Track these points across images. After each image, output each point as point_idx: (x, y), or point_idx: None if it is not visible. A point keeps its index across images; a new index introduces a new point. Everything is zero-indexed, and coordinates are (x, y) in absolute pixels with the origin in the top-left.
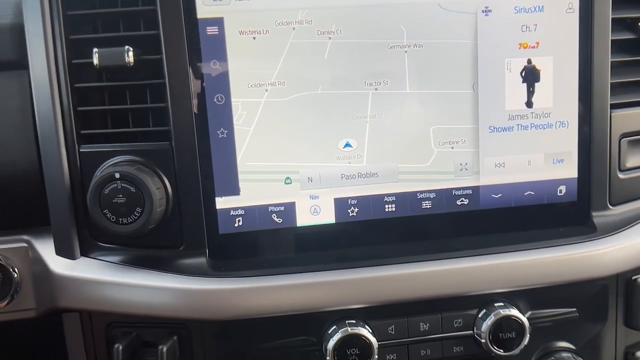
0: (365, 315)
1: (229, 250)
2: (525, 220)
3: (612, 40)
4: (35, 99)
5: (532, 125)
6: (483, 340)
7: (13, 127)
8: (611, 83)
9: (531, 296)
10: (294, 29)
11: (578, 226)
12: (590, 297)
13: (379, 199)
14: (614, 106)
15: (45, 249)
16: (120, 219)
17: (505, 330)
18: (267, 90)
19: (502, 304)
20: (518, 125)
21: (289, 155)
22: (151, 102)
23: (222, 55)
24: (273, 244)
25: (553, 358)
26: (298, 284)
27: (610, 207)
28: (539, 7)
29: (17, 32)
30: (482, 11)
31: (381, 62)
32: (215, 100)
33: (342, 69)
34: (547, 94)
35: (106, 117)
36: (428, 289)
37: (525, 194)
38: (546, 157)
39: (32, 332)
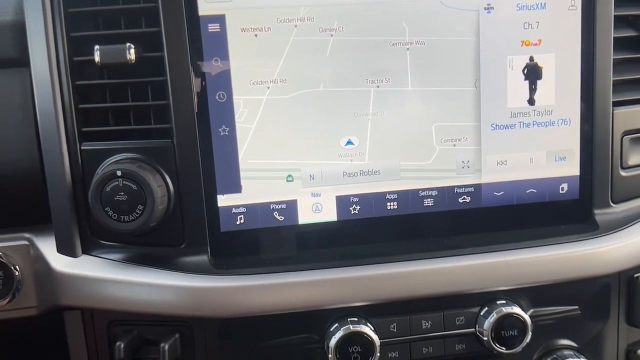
0: (367, 313)
1: (231, 248)
2: (527, 218)
3: (614, 37)
4: (36, 96)
5: (534, 122)
6: (485, 338)
7: (14, 124)
8: (613, 80)
9: (533, 294)
10: (295, 26)
11: (580, 224)
12: (592, 294)
13: (380, 197)
14: (616, 104)
15: (47, 247)
16: (122, 217)
17: (507, 328)
18: (268, 88)
19: (504, 301)
20: (520, 122)
21: (290, 152)
22: (152, 100)
23: (223, 53)
24: (275, 241)
25: (555, 356)
26: (300, 281)
27: (612, 204)
28: (541, 4)
29: (18, 30)
30: (485, 8)
31: (383, 60)
32: (217, 97)
33: (343, 66)
34: (549, 92)
35: (107, 115)
36: (430, 286)
37: (527, 191)
38: (548, 155)
39: (33, 331)
